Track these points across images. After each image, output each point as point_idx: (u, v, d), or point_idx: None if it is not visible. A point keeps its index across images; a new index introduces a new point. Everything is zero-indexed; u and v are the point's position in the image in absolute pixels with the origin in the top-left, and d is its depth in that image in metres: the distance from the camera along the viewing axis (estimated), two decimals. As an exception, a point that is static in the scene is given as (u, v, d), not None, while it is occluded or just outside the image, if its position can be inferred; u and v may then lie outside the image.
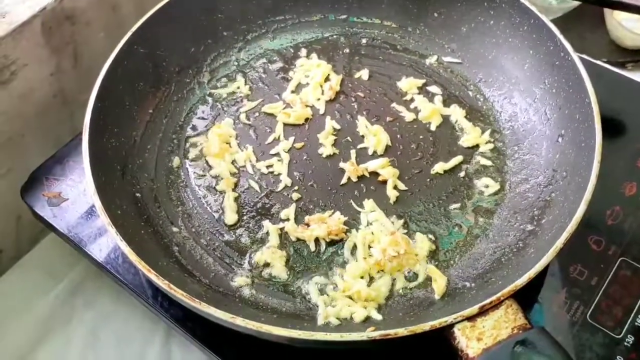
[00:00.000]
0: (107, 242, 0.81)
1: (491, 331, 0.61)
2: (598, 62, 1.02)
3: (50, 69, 0.91)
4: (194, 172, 0.86)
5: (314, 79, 0.94)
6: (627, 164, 0.89)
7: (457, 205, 0.82)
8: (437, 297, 0.73)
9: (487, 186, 0.83)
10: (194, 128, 0.90)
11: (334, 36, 1.01)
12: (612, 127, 0.82)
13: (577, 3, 1.09)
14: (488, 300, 0.62)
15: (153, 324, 0.87)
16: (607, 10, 1.09)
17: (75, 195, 0.85)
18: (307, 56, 0.98)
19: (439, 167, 0.85)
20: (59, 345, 0.85)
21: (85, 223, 0.83)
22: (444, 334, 0.62)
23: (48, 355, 0.85)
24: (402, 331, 0.60)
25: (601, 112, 0.75)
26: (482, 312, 0.62)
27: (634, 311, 0.76)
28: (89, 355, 0.85)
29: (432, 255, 0.78)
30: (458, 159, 0.85)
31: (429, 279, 0.75)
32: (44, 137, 0.94)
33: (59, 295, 0.89)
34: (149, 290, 0.78)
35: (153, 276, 0.65)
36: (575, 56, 0.80)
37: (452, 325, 0.61)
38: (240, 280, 0.75)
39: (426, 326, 0.61)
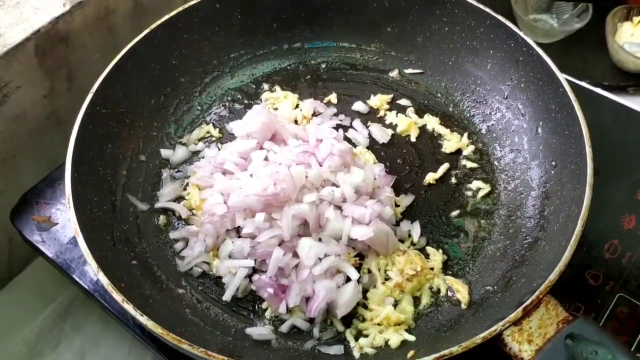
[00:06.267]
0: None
1: (539, 330, 0.62)
2: (598, 90, 0.99)
3: (44, 90, 0.90)
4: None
5: (285, 111, 0.92)
6: (626, 196, 0.86)
7: (457, 212, 0.82)
8: (464, 306, 0.73)
9: (479, 188, 0.84)
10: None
11: (293, 65, 0.99)
12: (611, 158, 0.78)
13: (579, 26, 1.08)
14: (529, 301, 0.62)
15: (141, 350, 0.84)
16: (609, 34, 1.08)
17: (65, 220, 0.81)
18: (271, 89, 0.96)
19: (430, 177, 0.85)
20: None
21: (74, 249, 0.79)
22: (494, 343, 0.62)
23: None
24: (456, 349, 0.60)
25: (600, 142, 0.74)
26: (526, 313, 0.62)
27: (632, 349, 0.73)
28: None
29: (446, 267, 0.78)
30: (445, 166, 0.86)
31: (450, 291, 0.75)
32: (37, 158, 0.92)
33: (48, 318, 0.88)
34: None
35: (186, 346, 0.61)
36: (539, 50, 0.83)
37: (500, 333, 0.61)
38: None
39: (478, 339, 0.60)
